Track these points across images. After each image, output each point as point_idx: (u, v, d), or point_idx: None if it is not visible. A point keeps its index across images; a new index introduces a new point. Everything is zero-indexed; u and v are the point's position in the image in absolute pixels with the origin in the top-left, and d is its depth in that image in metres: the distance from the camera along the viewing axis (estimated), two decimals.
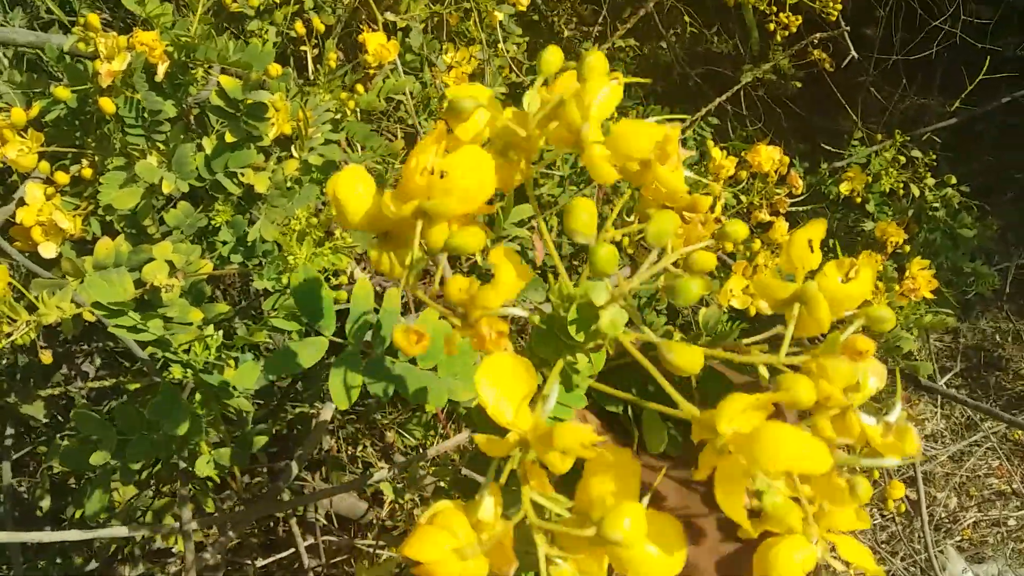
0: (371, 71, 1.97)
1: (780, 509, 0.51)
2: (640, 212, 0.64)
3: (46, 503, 1.77)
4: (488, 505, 0.53)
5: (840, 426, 0.56)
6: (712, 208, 2.08)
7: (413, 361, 1.04)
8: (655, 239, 0.56)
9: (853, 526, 0.57)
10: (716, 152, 1.90)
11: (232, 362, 1.30)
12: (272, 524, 2.58)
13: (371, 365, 1.01)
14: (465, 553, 0.50)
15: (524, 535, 0.53)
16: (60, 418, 1.93)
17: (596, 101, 0.56)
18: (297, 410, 2.20)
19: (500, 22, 2.52)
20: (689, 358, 0.52)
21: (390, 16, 2.20)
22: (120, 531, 1.33)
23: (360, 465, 2.59)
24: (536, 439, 0.51)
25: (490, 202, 0.59)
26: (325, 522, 2.35)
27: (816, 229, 0.60)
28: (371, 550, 2.17)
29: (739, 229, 0.63)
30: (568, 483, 0.55)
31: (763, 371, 0.59)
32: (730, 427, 0.49)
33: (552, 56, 0.60)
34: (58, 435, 1.85)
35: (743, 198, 2.01)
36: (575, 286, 0.59)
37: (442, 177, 0.55)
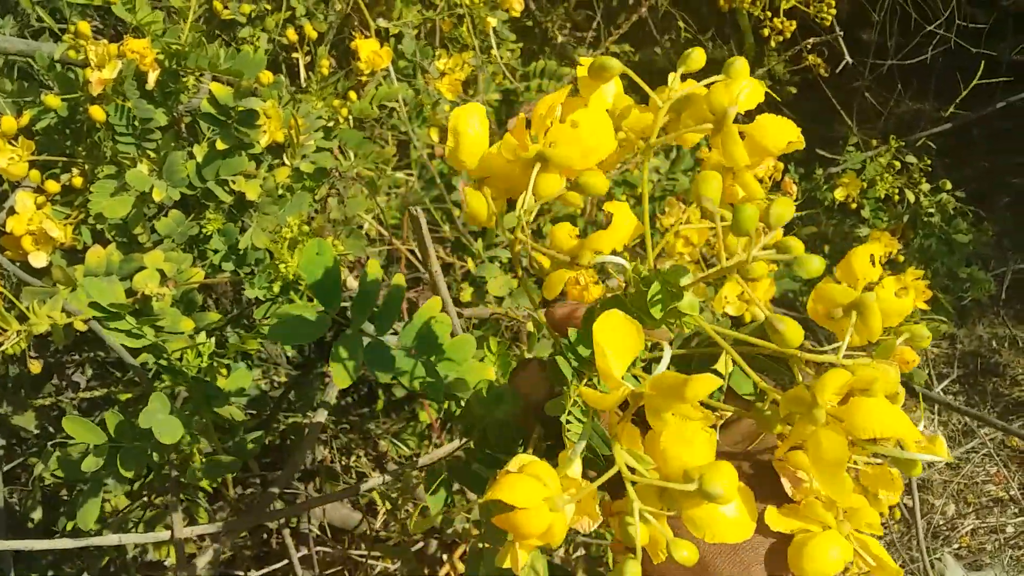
0: (364, 78, 1.97)
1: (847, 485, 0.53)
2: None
3: (38, 514, 1.76)
4: (577, 463, 0.56)
5: None
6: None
7: (412, 351, 1.04)
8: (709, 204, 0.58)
9: (872, 530, 0.60)
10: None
11: (224, 370, 1.29)
12: (266, 536, 2.56)
13: (372, 348, 1.01)
14: (556, 503, 0.51)
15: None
16: (51, 429, 1.92)
17: (742, 93, 0.59)
18: (290, 420, 2.19)
19: (493, 28, 2.52)
20: (794, 332, 0.54)
21: (383, 22, 2.19)
22: (111, 539, 1.31)
23: (354, 476, 2.58)
24: (661, 391, 0.53)
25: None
26: (319, 533, 2.34)
27: (878, 246, 0.64)
28: (365, 560, 2.16)
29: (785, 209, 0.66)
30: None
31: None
32: (831, 400, 0.52)
33: (698, 55, 0.63)
34: (49, 444, 1.84)
35: None
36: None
37: (573, 127, 0.58)
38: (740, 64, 0.61)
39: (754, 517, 0.55)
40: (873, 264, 0.62)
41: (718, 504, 0.51)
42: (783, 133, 0.60)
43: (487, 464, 0.78)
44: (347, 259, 1.45)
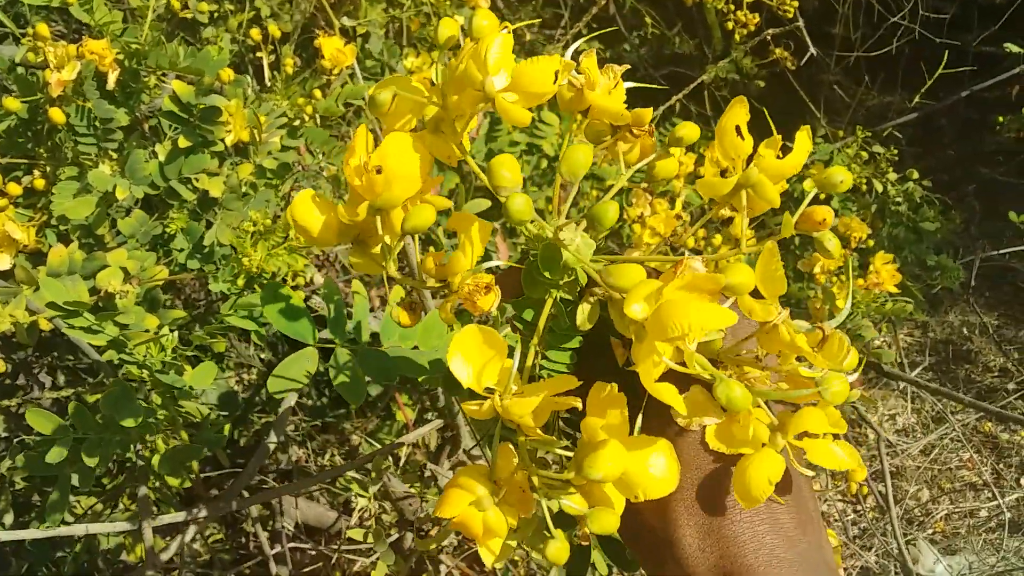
0: (332, 77, 1.97)
1: (736, 401, 0.54)
2: (591, 134, 0.68)
3: (9, 518, 1.75)
4: (498, 464, 0.59)
5: (772, 340, 0.59)
6: (672, 206, 2.06)
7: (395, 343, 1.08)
8: (569, 175, 0.60)
9: (827, 429, 0.59)
10: (675, 149, 1.91)
11: (188, 366, 1.29)
12: (244, 540, 2.56)
13: (363, 357, 1.06)
14: (482, 505, 0.58)
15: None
16: (21, 433, 1.91)
17: (492, 55, 0.58)
18: (263, 420, 2.19)
19: (461, 27, 2.52)
20: (629, 276, 0.55)
21: (347, 21, 2.20)
22: (78, 528, 1.32)
23: None
24: (502, 414, 0.57)
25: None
26: (293, 531, 2.34)
27: (738, 112, 0.62)
28: (336, 555, 2.16)
29: (690, 131, 0.67)
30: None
31: None
32: (640, 310, 0.53)
33: (446, 28, 0.63)
34: (16, 441, 1.83)
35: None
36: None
37: (379, 172, 0.59)
38: (480, 17, 0.60)
39: (676, 469, 0.56)
40: (742, 136, 0.62)
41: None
42: (541, 73, 0.59)
43: None
44: (312, 252, 1.45)
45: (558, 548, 0.57)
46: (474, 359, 0.57)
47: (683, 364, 0.54)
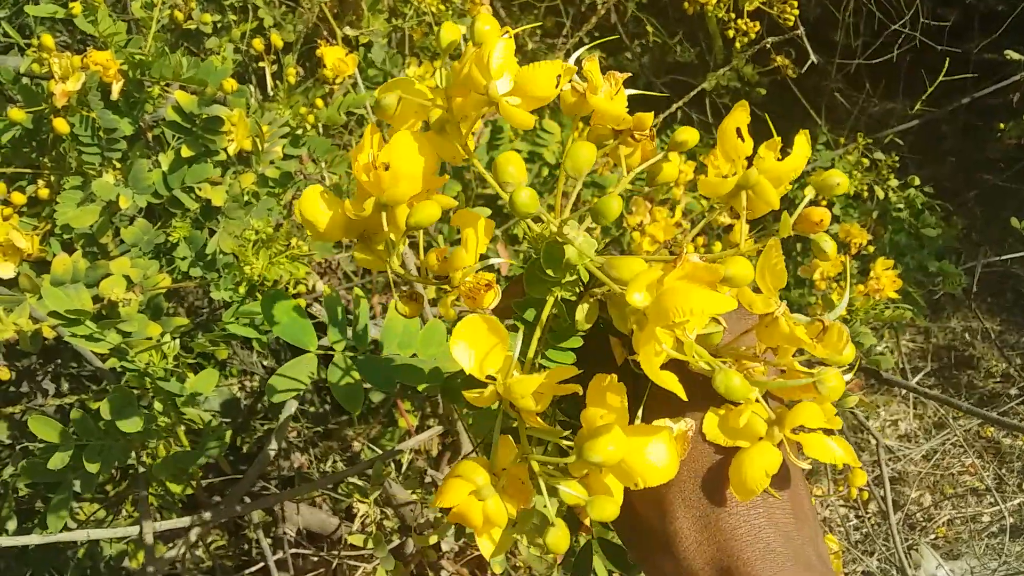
0: (335, 86, 1.99)
1: (735, 390, 0.54)
2: (593, 138, 0.68)
3: (12, 525, 1.76)
4: (501, 454, 0.60)
5: (772, 333, 0.59)
6: (672, 213, 2.07)
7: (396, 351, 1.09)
8: (574, 171, 0.61)
9: (822, 424, 0.59)
10: (673, 156, 1.92)
11: (190, 372, 1.30)
12: (246, 546, 2.57)
13: (362, 364, 1.07)
14: (482, 494, 0.57)
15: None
16: (24, 440, 1.93)
17: (495, 59, 0.59)
18: (265, 427, 2.20)
19: (463, 36, 2.53)
20: (630, 267, 0.56)
21: (350, 31, 2.21)
22: (79, 535, 1.33)
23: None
24: (504, 394, 0.58)
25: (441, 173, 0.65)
26: (295, 537, 2.35)
27: (739, 115, 0.64)
28: (337, 561, 2.17)
29: (690, 136, 0.67)
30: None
31: None
32: (641, 298, 0.53)
33: (448, 32, 0.64)
34: (19, 447, 1.85)
35: (703, 202, 2.03)
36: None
37: (387, 169, 0.60)
38: (482, 22, 0.60)
39: (675, 459, 0.56)
40: (742, 138, 0.62)
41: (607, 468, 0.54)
42: (544, 77, 0.60)
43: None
44: (313, 260, 1.46)
45: (558, 536, 0.57)
46: (477, 346, 0.58)
47: (682, 355, 0.55)
